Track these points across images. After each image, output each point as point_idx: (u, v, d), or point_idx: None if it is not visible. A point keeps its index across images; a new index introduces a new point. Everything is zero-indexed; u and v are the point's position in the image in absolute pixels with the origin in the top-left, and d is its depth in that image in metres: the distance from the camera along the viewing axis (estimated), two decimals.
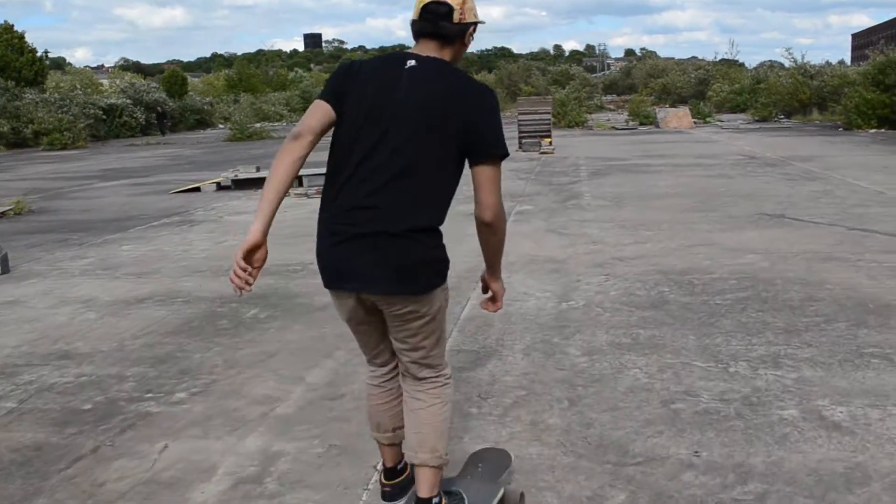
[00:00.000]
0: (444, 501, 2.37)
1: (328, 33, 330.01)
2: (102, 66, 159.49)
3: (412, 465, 2.37)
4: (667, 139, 22.39)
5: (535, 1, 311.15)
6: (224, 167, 15.97)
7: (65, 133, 28.57)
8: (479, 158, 2.14)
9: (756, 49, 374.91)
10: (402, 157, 2.10)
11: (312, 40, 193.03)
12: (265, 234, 2.10)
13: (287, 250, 6.69)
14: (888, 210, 8.56)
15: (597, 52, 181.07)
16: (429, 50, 2.21)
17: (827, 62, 34.06)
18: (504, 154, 2.15)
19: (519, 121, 19.61)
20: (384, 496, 2.51)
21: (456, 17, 2.18)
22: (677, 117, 29.01)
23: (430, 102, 2.12)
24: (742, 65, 56.82)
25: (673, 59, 67.13)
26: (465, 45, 2.25)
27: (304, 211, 9.06)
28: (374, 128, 2.12)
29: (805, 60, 33.71)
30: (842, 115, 25.26)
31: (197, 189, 12.98)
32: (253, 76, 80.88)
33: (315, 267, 2.30)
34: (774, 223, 7.97)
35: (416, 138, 2.10)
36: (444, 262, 2.21)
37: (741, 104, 42.29)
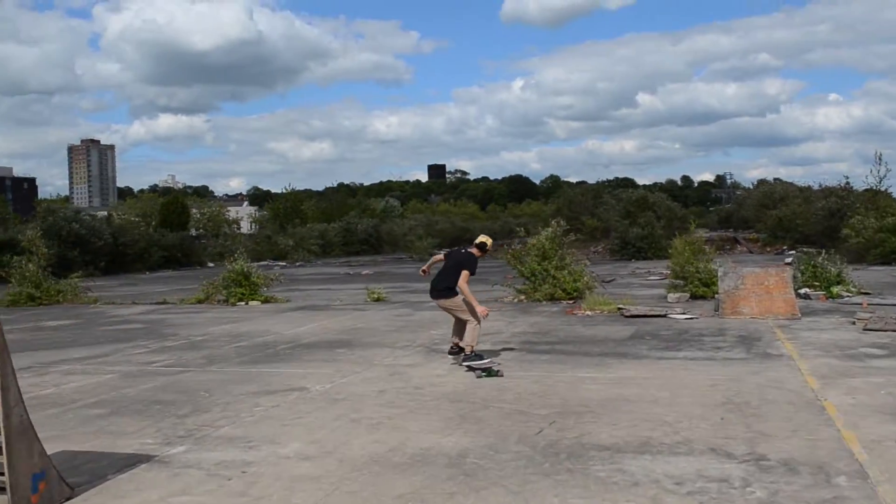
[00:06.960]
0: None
1: (463, 165, 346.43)
2: (240, 194, 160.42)
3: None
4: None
5: (670, 134, 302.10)
6: None
7: None
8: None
9: None
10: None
11: (436, 171, 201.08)
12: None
13: None
14: None
15: (726, 182, 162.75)
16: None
17: None
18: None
19: None
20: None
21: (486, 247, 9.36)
22: (762, 291, 13.82)
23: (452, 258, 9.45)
24: (891, 195, 40.24)
25: (794, 184, 50.27)
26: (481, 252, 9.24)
27: None
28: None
29: None
30: None
31: None
32: (299, 204, 71.75)
33: None
34: None
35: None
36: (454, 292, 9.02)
37: None
